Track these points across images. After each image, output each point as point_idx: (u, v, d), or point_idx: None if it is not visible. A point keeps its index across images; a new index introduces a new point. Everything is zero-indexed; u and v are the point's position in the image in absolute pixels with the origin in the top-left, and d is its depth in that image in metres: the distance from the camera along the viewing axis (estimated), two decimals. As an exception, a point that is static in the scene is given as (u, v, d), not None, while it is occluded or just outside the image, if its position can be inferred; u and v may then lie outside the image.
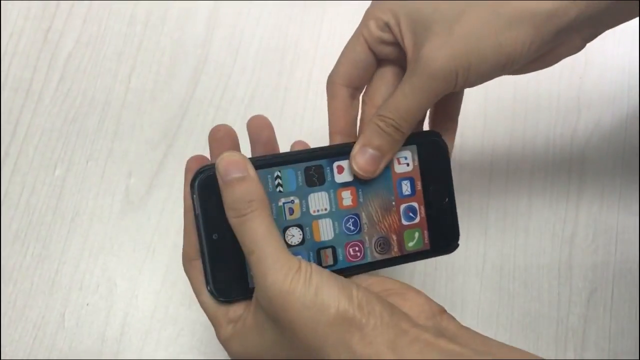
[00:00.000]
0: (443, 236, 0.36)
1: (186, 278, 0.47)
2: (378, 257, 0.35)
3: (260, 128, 0.37)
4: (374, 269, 0.35)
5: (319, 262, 0.34)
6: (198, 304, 0.47)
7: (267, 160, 0.33)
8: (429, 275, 0.48)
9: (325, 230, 0.34)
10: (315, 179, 0.34)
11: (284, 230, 0.33)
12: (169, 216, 0.49)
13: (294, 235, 0.33)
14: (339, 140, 0.36)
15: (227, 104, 0.53)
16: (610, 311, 0.47)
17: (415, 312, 0.32)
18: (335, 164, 0.34)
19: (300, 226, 0.33)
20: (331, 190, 0.34)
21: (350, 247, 0.34)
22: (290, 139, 0.52)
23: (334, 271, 0.32)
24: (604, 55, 0.54)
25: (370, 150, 0.34)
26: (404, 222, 0.35)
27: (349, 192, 0.34)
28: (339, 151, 0.34)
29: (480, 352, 0.30)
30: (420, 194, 0.35)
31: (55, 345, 0.46)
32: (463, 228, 0.50)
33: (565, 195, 0.50)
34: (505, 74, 0.34)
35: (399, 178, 0.35)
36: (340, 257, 0.34)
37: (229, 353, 0.33)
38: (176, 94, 0.53)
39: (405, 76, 0.33)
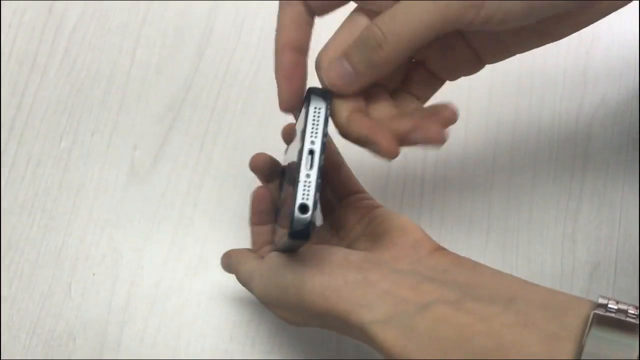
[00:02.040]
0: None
1: (191, 249, 0.48)
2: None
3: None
4: None
5: None
6: (203, 275, 0.48)
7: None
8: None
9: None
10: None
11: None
12: (174, 189, 0.50)
13: None
14: (288, 57, 0.32)
15: (232, 78, 0.53)
16: (614, 285, 0.48)
17: (398, 256, 0.32)
18: None
19: None
20: None
21: None
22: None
23: None
24: (611, 30, 0.53)
25: (345, 65, 0.30)
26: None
27: None
28: None
29: (461, 286, 0.30)
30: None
31: (61, 315, 0.47)
32: (467, 202, 0.50)
33: (570, 170, 0.50)
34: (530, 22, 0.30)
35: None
36: None
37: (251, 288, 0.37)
38: (181, 67, 0.53)
39: None
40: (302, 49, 0.33)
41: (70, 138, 0.51)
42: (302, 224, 0.28)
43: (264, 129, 0.52)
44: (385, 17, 0.29)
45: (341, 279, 0.30)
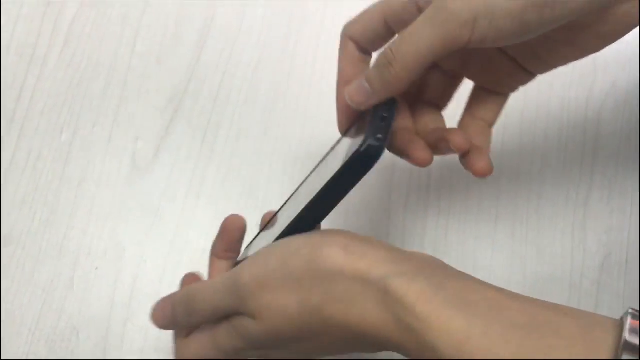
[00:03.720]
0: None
1: (194, 241, 0.47)
2: None
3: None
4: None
5: None
6: (206, 268, 0.47)
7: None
8: (440, 239, 0.48)
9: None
10: None
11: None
12: (177, 180, 0.49)
13: None
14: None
15: (234, 68, 0.52)
16: (625, 275, 0.47)
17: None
18: None
19: None
20: None
21: None
22: (298, 104, 0.52)
23: None
24: (621, 16, 0.52)
25: (364, 83, 0.33)
26: None
27: None
28: None
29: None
30: None
31: (64, 310, 0.46)
32: (475, 191, 0.49)
33: (580, 157, 0.49)
34: (528, 38, 0.31)
35: None
36: None
37: None
38: (182, 57, 0.52)
39: (420, 16, 0.31)
40: None
41: (71, 130, 0.50)
42: (376, 143, 0.31)
43: (266, 119, 0.51)
44: (396, 40, 0.33)
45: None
